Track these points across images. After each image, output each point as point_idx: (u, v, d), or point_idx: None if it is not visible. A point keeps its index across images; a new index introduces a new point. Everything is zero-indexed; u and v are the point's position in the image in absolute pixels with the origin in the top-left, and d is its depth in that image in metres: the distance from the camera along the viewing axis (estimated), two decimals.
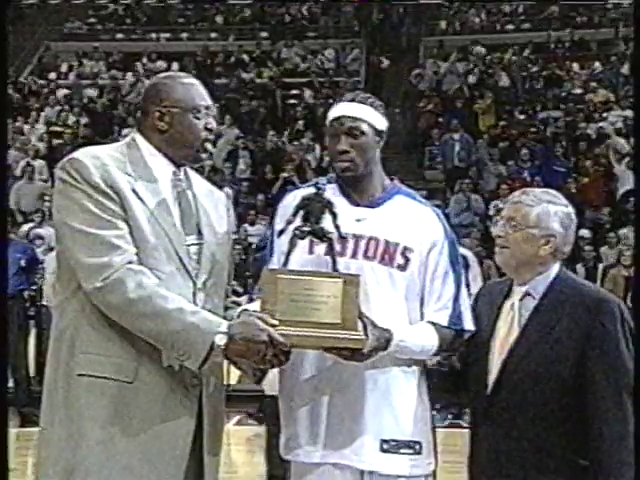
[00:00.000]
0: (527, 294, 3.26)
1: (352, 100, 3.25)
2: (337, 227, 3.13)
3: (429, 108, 18.79)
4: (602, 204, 15.11)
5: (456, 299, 3.24)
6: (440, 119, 18.52)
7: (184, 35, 22.38)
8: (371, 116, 3.25)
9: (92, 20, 23.47)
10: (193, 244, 3.04)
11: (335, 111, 3.23)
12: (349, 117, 3.21)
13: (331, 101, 19.21)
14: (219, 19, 23.03)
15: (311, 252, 3.16)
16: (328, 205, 3.14)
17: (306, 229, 3.10)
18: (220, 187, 11.66)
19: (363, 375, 3.14)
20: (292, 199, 3.23)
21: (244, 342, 2.85)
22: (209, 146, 3.08)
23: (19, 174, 16.12)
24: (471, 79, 19.75)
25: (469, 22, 22.52)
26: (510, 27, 22.16)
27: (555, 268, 3.28)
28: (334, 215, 3.13)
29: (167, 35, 22.37)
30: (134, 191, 2.95)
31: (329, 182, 3.24)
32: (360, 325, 2.97)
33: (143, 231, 2.93)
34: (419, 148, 18.36)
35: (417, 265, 3.20)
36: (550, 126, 17.73)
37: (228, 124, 18.34)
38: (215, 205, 3.17)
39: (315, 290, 2.98)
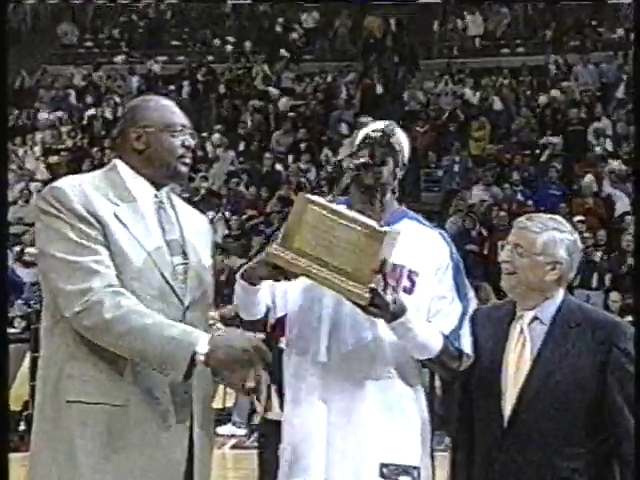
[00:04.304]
0: (535, 318, 3.26)
1: (388, 123, 3.28)
2: (395, 174, 3.24)
3: (424, 130, 18.73)
4: (598, 226, 15.08)
5: (461, 320, 3.25)
6: (437, 141, 18.53)
7: (180, 58, 22.38)
8: (405, 141, 3.33)
9: (89, 44, 23.50)
10: (179, 264, 3.06)
11: (374, 125, 3.29)
12: (389, 133, 3.25)
13: (326, 122, 19.77)
14: (216, 41, 23.01)
15: None
16: (395, 152, 3.21)
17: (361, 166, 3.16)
18: (218, 210, 11.67)
19: (365, 399, 3.15)
20: None
21: (226, 349, 2.83)
22: (188, 161, 3.12)
23: (17, 196, 16.10)
24: (466, 100, 19.78)
25: (464, 45, 22.55)
26: (505, 50, 22.19)
27: (560, 293, 3.29)
28: (397, 162, 3.23)
29: (164, 58, 22.34)
30: (116, 216, 2.98)
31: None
32: (372, 280, 2.92)
33: (127, 255, 2.95)
34: (415, 170, 18.33)
35: (423, 288, 3.21)
36: (547, 149, 17.70)
37: (225, 147, 18.33)
38: (197, 228, 3.20)
39: (337, 232, 2.94)
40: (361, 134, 3.32)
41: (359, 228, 2.93)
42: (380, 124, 3.28)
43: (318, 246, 2.94)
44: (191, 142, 3.13)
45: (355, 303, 2.98)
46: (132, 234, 2.98)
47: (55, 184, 3.00)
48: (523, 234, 3.25)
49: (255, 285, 3.16)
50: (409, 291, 3.18)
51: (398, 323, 3.06)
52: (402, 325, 3.07)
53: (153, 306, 2.93)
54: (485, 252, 14.51)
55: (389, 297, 2.98)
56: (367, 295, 2.92)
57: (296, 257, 2.95)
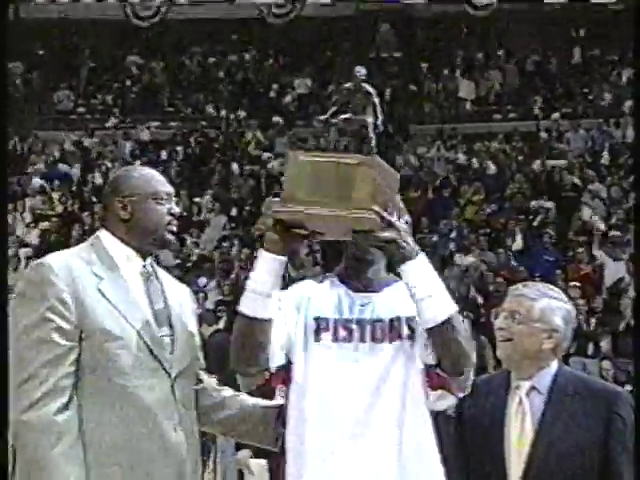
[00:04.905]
0: (533, 389, 3.22)
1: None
2: (377, 117, 3.09)
3: (418, 195, 18.73)
4: (593, 293, 14.98)
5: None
6: (430, 206, 18.52)
7: (173, 123, 22.47)
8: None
9: (81, 110, 23.60)
10: (165, 335, 3.06)
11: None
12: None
13: None
14: (209, 108, 23.07)
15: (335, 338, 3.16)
16: (370, 100, 3.11)
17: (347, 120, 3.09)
18: (211, 276, 11.53)
19: (375, 434, 3.09)
20: (305, 285, 3.29)
21: None
22: (174, 229, 3.12)
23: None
24: (459, 165, 19.82)
25: (458, 110, 22.64)
26: (497, 116, 22.33)
27: (555, 363, 3.26)
28: (374, 105, 3.13)
29: (157, 123, 22.44)
30: (100, 291, 2.98)
31: (326, 278, 3.29)
32: (376, 207, 2.97)
33: (110, 331, 2.94)
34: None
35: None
36: (540, 215, 17.70)
37: (217, 211, 18.28)
38: (180, 298, 3.20)
39: (333, 171, 3.05)
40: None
41: (353, 161, 3.05)
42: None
43: (319, 190, 3.04)
44: (177, 210, 3.14)
45: (364, 239, 3.05)
46: (116, 308, 2.97)
47: (42, 260, 3.00)
48: (520, 301, 3.25)
49: (280, 255, 3.10)
50: (411, 337, 3.15)
51: (416, 262, 3.02)
52: (420, 264, 3.03)
53: (140, 379, 2.93)
54: (482, 320, 14.37)
55: (399, 222, 3.02)
56: (373, 216, 2.99)
57: (299, 207, 3.03)
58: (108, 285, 2.99)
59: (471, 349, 3.08)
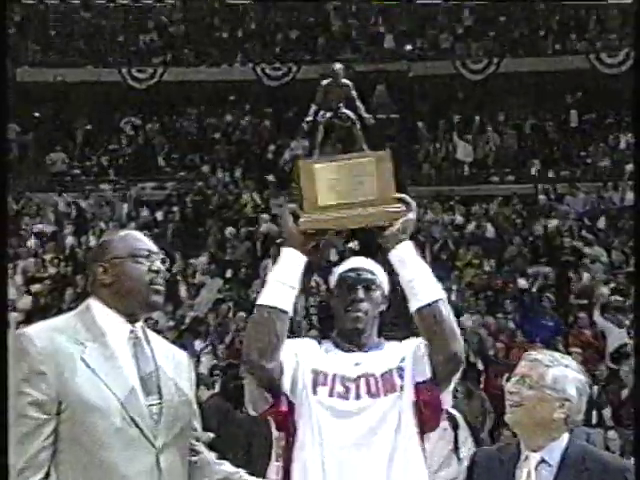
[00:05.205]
0: (542, 461, 3.16)
1: (367, 258, 3.46)
2: (358, 109, 3.48)
3: None
4: (596, 360, 14.71)
5: None
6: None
7: (169, 184, 22.38)
8: (382, 276, 3.44)
9: (76, 171, 23.60)
10: (153, 404, 3.00)
11: (350, 263, 3.44)
12: (366, 270, 3.40)
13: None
14: (205, 168, 23.00)
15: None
16: (348, 92, 3.47)
17: (329, 115, 3.41)
18: (206, 338, 11.32)
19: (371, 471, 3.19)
20: (304, 340, 3.45)
21: None
22: (159, 288, 3.09)
23: None
24: (457, 228, 19.71)
25: (455, 172, 22.57)
26: (495, 179, 22.29)
27: (566, 435, 3.21)
28: (353, 99, 3.48)
29: (152, 184, 22.38)
30: (83, 360, 2.93)
31: (322, 342, 3.42)
32: (396, 197, 3.22)
33: (89, 401, 2.88)
34: (404, 303, 18.02)
35: (410, 377, 3.31)
36: (538, 279, 17.51)
37: (212, 273, 18.07)
38: (175, 364, 3.15)
39: (349, 173, 3.18)
40: (339, 272, 3.46)
41: (366, 158, 3.21)
42: (355, 261, 3.47)
43: (338, 194, 3.15)
44: (159, 266, 3.10)
45: (382, 232, 3.22)
46: (100, 377, 2.92)
47: (24, 330, 2.97)
48: (533, 366, 3.22)
49: (301, 252, 3.28)
50: (402, 388, 3.27)
51: (407, 245, 3.26)
52: (410, 247, 3.27)
53: (121, 451, 2.88)
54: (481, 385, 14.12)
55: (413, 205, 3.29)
56: (402, 209, 3.20)
57: (324, 214, 3.14)
58: (92, 353, 2.95)
59: (458, 333, 3.24)
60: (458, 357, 3.23)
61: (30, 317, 14.42)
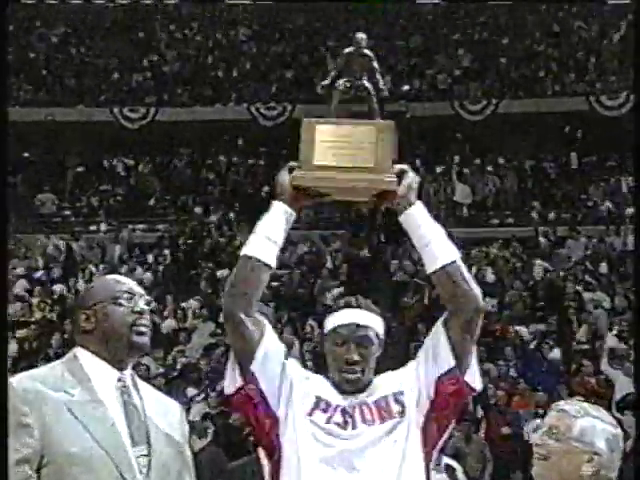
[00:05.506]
0: None
1: (358, 306, 3.36)
2: (377, 81, 3.54)
3: (414, 301, 18.24)
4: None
5: None
6: (427, 312, 17.93)
7: (161, 226, 22.20)
8: (377, 324, 3.38)
9: (66, 212, 23.44)
10: (142, 455, 2.95)
11: (341, 317, 3.35)
12: (359, 325, 3.32)
13: (310, 292, 19.29)
14: (198, 210, 22.71)
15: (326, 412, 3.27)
16: (370, 63, 3.52)
17: (349, 84, 3.46)
18: (198, 385, 10.94)
19: None
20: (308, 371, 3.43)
21: None
22: (142, 329, 3.04)
23: None
24: None
25: (454, 214, 22.36)
26: (495, 221, 22.13)
27: None
28: (374, 70, 3.54)
29: (143, 226, 22.23)
30: (69, 409, 2.87)
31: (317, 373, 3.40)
32: (394, 169, 3.26)
33: (73, 453, 2.83)
34: (404, 344, 17.67)
35: (415, 395, 3.30)
36: (540, 325, 17.22)
37: (204, 318, 17.75)
38: (166, 414, 3.10)
39: (350, 136, 3.24)
40: (331, 326, 3.41)
41: (371, 126, 3.26)
42: (347, 315, 3.37)
43: (336, 155, 3.22)
44: (143, 307, 3.06)
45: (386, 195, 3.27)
46: (86, 427, 2.87)
47: (9, 381, 2.89)
48: (560, 416, 3.09)
49: (290, 208, 3.36)
50: (402, 413, 3.27)
51: (419, 207, 3.30)
52: (423, 209, 3.31)
53: None
54: (482, 434, 13.73)
55: (411, 175, 3.33)
56: (395, 179, 3.24)
57: (320, 173, 3.22)
58: (79, 403, 2.90)
59: (476, 287, 3.31)
60: (480, 309, 3.34)
61: (16, 364, 14.01)
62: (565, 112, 23.08)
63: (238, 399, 3.31)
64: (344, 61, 3.53)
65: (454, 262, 3.29)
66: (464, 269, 3.31)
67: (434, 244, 3.29)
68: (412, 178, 3.32)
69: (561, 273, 18.81)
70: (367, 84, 3.48)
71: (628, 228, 19.40)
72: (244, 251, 3.31)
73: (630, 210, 19.60)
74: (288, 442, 3.25)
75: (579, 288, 18.11)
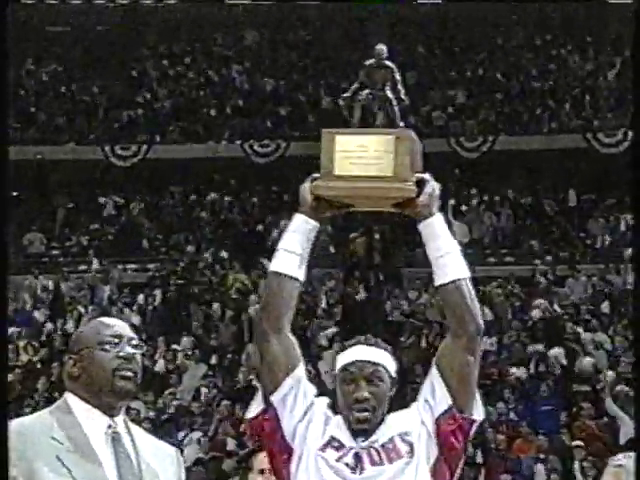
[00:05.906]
0: None
1: (370, 344, 3.37)
2: (398, 92, 3.61)
3: (410, 342, 17.96)
4: (603, 453, 13.84)
5: None
6: (424, 354, 17.63)
7: (151, 265, 21.95)
8: (388, 362, 3.37)
9: (55, 252, 23.24)
10: None
11: (352, 354, 3.35)
12: (370, 362, 3.32)
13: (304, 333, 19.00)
14: (190, 248, 22.47)
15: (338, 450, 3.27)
16: (392, 75, 3.60)
17: (371, 95, 3.52)
18: (189, 428, 10.67)
19: None
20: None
21: None
22: (127, 374, 3.00)
23: None
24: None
25: None
26: (492, 260, 21.96)
27: None
28: (396, 81, 3.61)
29: (134, 265, 22.03)
30: (59, 459, 2.84)
31: (333, 410, 3.36)
32: (413, 178, 3.28)
33: None
34: (401, 387, 17.30)
35: (423, 436, 3.29)
36: (539, 366, 16.91)
37: (196, 359, 17.63)
38: (161, 460, 3.08)
39: (369, 146, 3.29)
40: (341, 363, 3.40)
41: (389, 135, 3.31)
42: (358, 352, 3.37)
43: (356, 165, 3.28)
44: (129, 351, 3.02)
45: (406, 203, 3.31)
46: (74, 477, 2.84)
47: None
48: (618, 472, 3.20)
49: (312, 219, 3.39)
50: (410, 453, 3.27)
51: (438, 218, 3.34)
52: (441, 220, 3.35)
53: None
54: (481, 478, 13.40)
55: (432, 184, 3.33)
56: (414, 187, 3.27)
57: (340, 183, 3.27)
58: (68, 452, 2.87)
59: (478, 310, 3.34)
60: (481, 328, 3.35)
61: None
62: (562, 149, 23.05)
63: (254, 424, 3.36)
64: (365, 73, 3.59)
65: (465, 279, 3.32)
66: (472, 289, 3.34)
67: (449, 257, 3.33)
68: (433, 187, 3.34)
69: (560, 312, 18.60)
70: (389, 94, 3.53)
71: (627, 267, 19.18)
72: (269, 268, 3.41)
73: (629, 250, 19.38)
74: (302, 473, 3.28)
75: (579, 329, 17.90)
